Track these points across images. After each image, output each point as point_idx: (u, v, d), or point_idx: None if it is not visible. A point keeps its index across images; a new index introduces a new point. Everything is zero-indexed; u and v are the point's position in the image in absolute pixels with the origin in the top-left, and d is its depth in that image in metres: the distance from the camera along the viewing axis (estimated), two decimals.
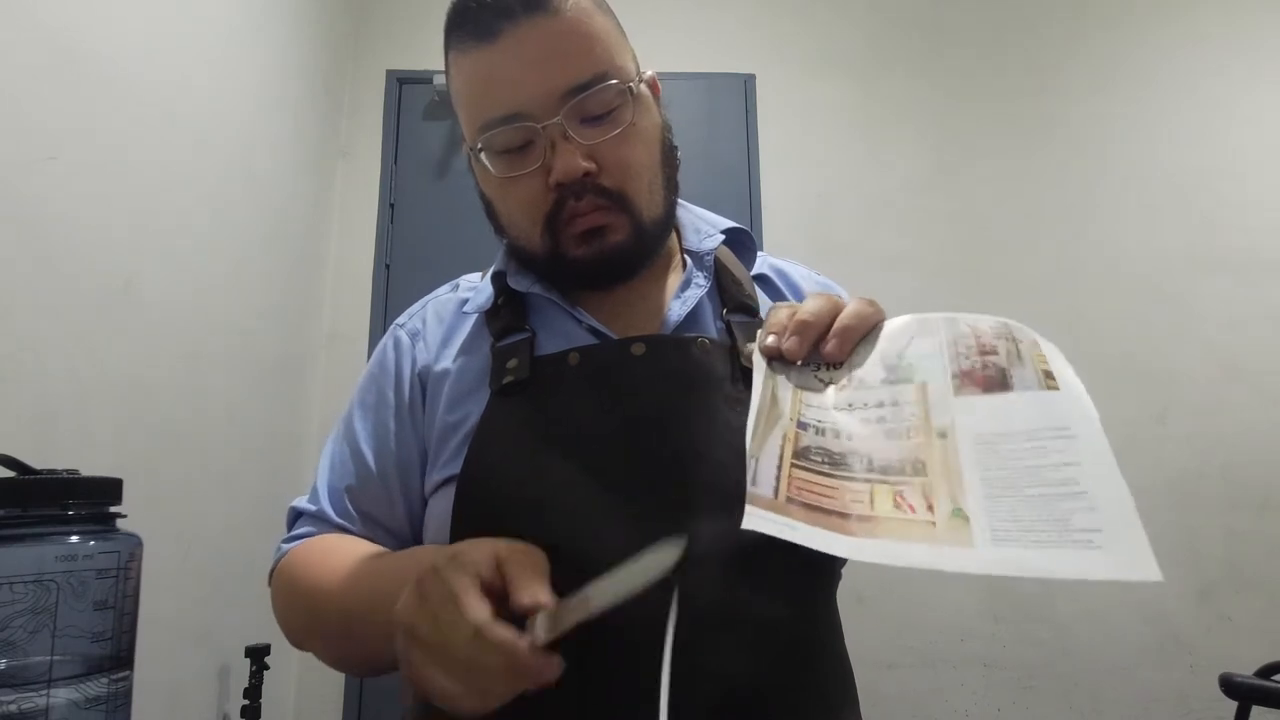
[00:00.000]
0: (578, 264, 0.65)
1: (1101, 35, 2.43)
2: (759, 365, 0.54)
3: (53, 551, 0.48)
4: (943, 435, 0.47)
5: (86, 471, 0.54)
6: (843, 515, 0.44)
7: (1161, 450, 2.15)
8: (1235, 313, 2.24)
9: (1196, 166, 2.34)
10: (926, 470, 0.45)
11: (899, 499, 0.44)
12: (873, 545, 0.42)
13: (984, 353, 0.49)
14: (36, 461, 0.54)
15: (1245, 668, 1.52)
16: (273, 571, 0.68)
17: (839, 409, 0.51)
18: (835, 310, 0.54)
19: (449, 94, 0.69)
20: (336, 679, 1.96)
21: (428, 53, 2.31)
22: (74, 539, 0.50)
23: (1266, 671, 1.54)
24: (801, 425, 0.50)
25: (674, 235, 0.75)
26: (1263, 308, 2.24)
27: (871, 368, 0.53)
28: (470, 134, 0.65)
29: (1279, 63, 2.41)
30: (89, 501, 0.52)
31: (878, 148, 2.34)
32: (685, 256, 0.72)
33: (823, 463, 0.48)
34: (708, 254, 0.71)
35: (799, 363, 0.54)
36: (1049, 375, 0.47)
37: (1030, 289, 2.24)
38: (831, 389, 0.53)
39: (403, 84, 2.31)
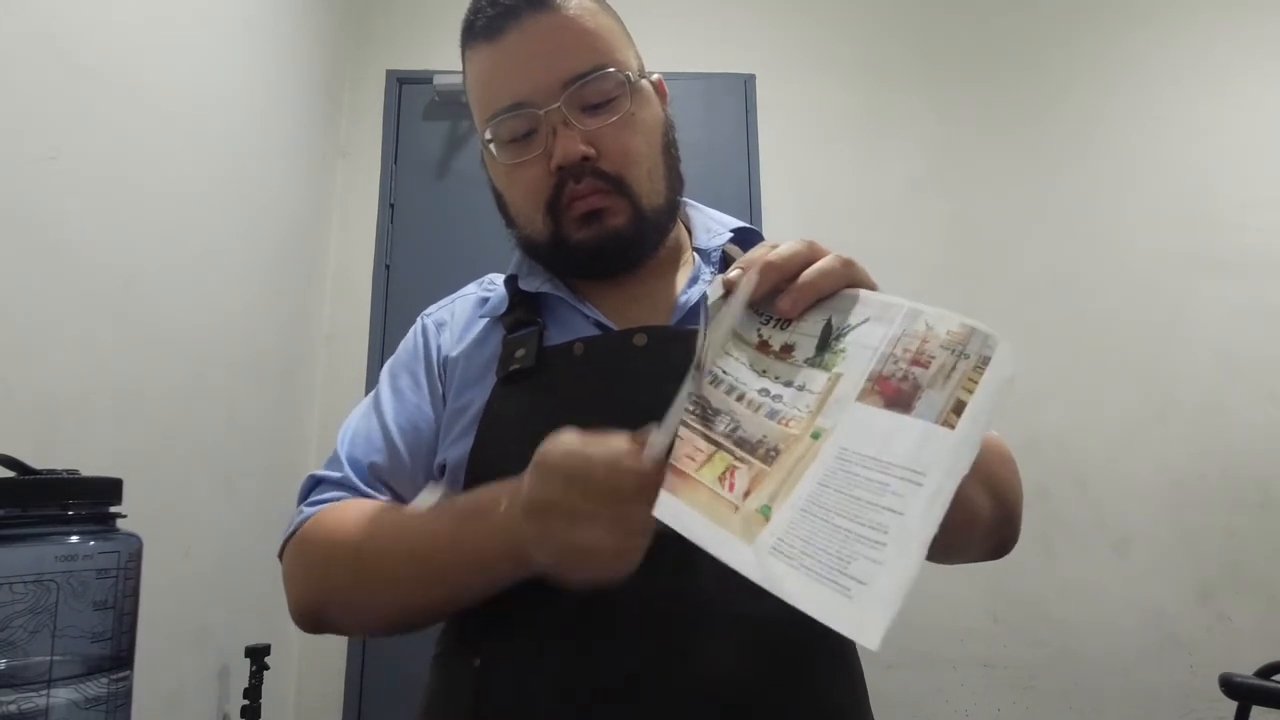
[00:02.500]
0: (579, 248, 0.67)
1: (1100, 35, 2.43)
2: (714, 295, 0.53)
3: (53, 551, 0.48)
4: (816, 436, 0.45)
5: (86, 471, 0.54)
6: (669, 467, 0.44)
7: (1161, 450, 2.15)
8: (1235, 313, 2.23)
9: (1196, 166, 2.34)
10: (777, 461, 0.44)
11: (728, 474, 0.44)
12: (667, 503, 0.43)
13: (916, 362, 0.45)
14: (36, 461, 0.54)
15: (1245, 668, 1.52)
16: (290, 537, 0.66)
17: (754, 369, 0.50)
18: (809, 259, 0.51)
19: (465, 98, 0.73)
20: (336, 679, 1.96)
21: (428, 53, 2.31)
22: (74, 539, 0.50)
23: (1266, 671, 1.54)
24: (703, 370, 0.49)
25: (685, 234, 0.77)
26: (1263, 308, 2.24)
27: (808, 339, 0.50)
28: (480, 125, 0.69)
29: (1278, 62, 2.41)
30: (89, 501, 0.52)
31: (877, 148, 2.34)
32: (695, 255, 0.74)
33: (691, 412, 0.47)
34: (714, 250, 0.73)
35: (754, 309, 0.52)
36: (958, 409, 0.42)
37: (1030, 288, 2.24)
38: (756, 350, 0.51)
39: (403, 84, 2.31)
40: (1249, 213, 2.30)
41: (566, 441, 0.46)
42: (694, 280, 0.70)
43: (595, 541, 0.44)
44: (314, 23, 2.03)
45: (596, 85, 0.65)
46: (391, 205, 2.23)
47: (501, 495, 0.52)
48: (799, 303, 0.50)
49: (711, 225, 0.77)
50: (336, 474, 0.69)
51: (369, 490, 0.68)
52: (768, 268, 0.51)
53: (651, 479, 0.43)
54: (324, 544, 0.63)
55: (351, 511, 0.64)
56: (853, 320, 0.50)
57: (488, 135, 0.67)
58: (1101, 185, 2.32)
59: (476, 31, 0.67)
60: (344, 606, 0.63)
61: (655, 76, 0.72)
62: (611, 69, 0.66)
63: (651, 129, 0.69)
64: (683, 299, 0.69)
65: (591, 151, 0.65)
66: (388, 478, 0.69)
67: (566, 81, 0.64)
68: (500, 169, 0.69)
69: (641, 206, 0.67)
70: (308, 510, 0.67)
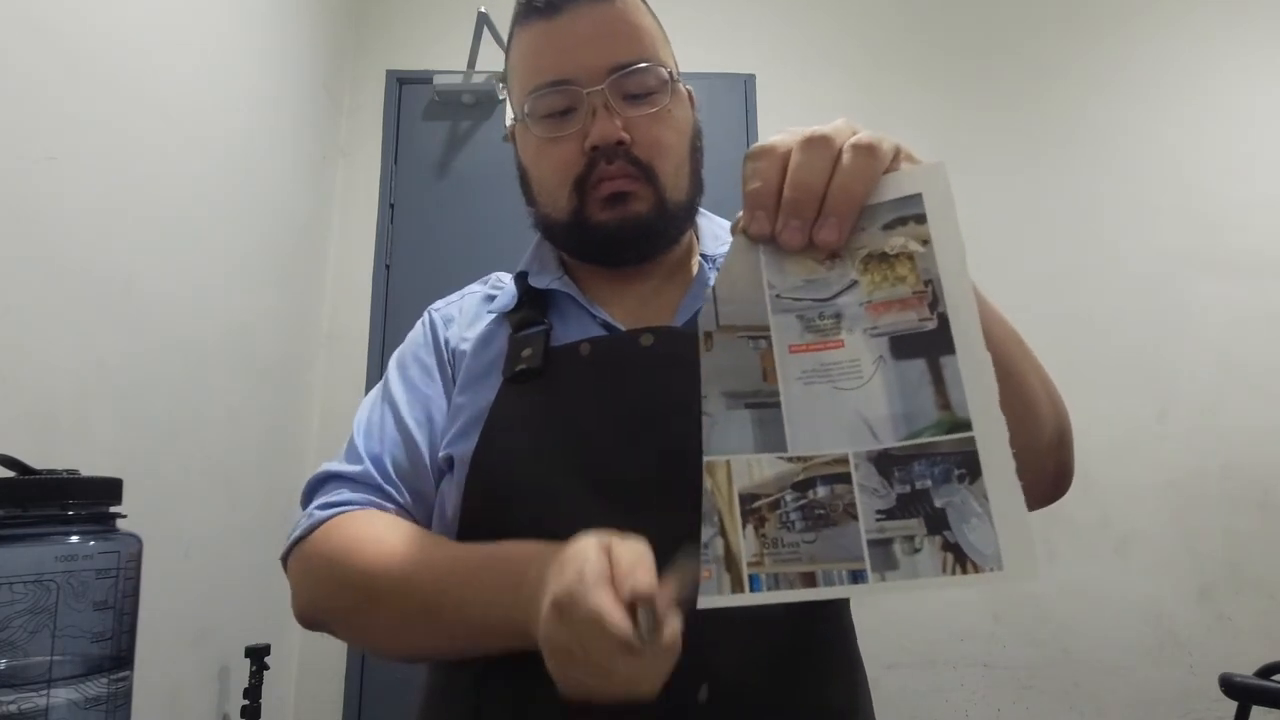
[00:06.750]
0: (599, 229, 0.68)
1: (1102, 35, 2.43)
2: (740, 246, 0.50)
3: (53, 551, 0.48)
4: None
5: (86, 471, 0.54)
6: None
7: (1161, 450, 2.15)
8: (1235, 313, 2.23)
9: (1196, 166, 2.34)
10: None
11: None
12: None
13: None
14: (36, 461, 0.54)
15: (1245, 668, 1.52)
16: (299, 540, 0.65)
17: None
18: (825, 169, 0.48)
19: (505, 73, 0.75)
20: (336, 679, 1.95)
21: (428, 53, 2.31)
22: (74, 539, 0.50)
23: (1266, 671, 1.54)
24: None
25: (694, 240, 0.78)
26: (1263, 308, 2.24)
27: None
28: (519, 99, 0.70)
29: (1278, 63, 2.41)
30: (89, 501, 0.52)
31: None
32: (702, 260, 0.75)
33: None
34: (719, 256, 0.74)
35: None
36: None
37: (1031, 288, 2.24)
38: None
39: (403, 84, 2.31)
40: (1250, 213, 2.30)
41: (593, 589, 0.43)
42: (699, 284, 0.71)
43: (607, 692, 0.44)
44: (314, 23, 2.03)
45: (640, 77, 0.67)
46: (391, 205, 2.23)
47: (524, 572, 0.51)
48: (842, 228, 0.47)
49: (719, 232, 0.78)
50: (355, 467, 0.68)
51: (387, 488, 0.67)
52: (797, 206, 0.48)
53: (665, 664, 0.44)
54: (334, 561, 0.62)
55: (366, 530, 0.62)
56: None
57: (525, 109, 0.69)
58: (1103, 185, 2.32)
59: (532, 9, 0.68)
60: (346, 627, 0.63)
61: (687, 86, 0.75)
62: (656, 65, 0.69)
63: (683, 129, 0.72)
64: (688, 301, 0.69)
65: (627, 137, 0.66)
66: (406, 475, 0.68)
67: (613, 68, 0.66)
68: (532, 143, 0.70)
69: (665, 198, 0.68)
70: (319, 514, 0.65)
